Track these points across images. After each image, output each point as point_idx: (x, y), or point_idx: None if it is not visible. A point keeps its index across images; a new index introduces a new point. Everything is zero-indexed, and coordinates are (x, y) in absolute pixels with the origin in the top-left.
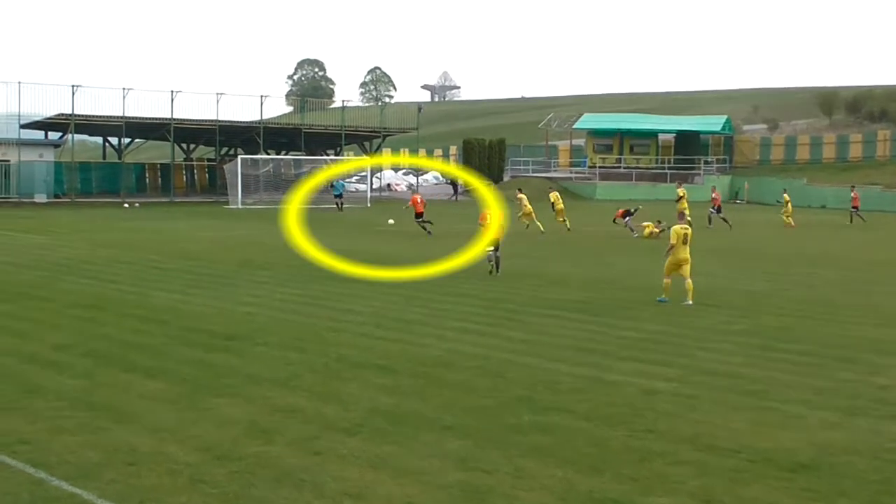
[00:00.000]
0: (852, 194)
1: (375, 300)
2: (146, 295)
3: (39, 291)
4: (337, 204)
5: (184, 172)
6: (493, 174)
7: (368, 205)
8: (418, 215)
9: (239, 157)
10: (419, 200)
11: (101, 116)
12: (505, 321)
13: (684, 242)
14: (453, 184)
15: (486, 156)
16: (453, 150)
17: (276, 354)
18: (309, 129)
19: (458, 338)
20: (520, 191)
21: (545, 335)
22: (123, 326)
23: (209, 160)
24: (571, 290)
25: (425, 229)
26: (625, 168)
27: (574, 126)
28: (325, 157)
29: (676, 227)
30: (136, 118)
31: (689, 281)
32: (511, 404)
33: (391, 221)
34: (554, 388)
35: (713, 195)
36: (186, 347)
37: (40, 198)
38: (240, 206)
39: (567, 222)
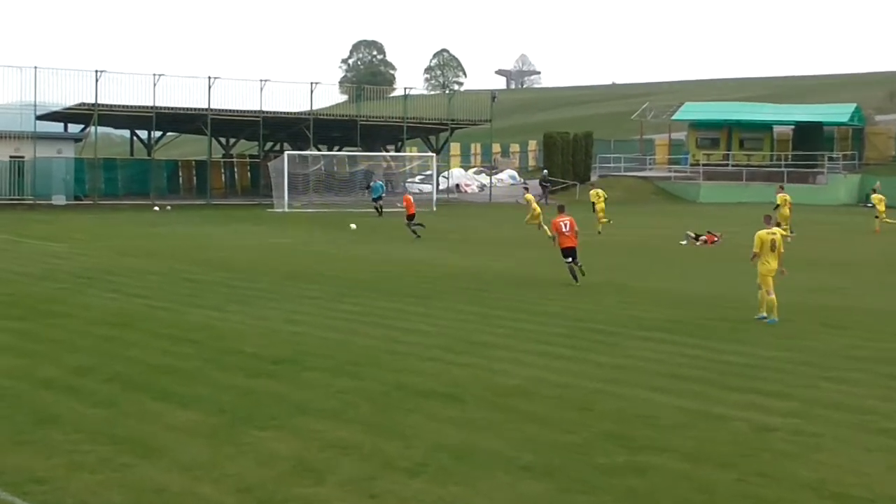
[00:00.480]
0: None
1: (442, 318)
2: (178, 311)
3: (56, 306)
4: (376, 208)
5: (222, 171)
6: (577, 173)
7: (434, 208)
8: (410, 217)
9: (285, 153)
10: (412, 202)
11: (128, 106)
12: (592, 344)
13: (772, 250)
14: (543, 183)
15: (570, 152)
16: (532, 144)
17: (327, 381)
18: (366, 120)
19: (539, 363)
20: (527, 190)
21: (638, 360)
22: (152, 347)
23: (251, 157)
24: (664, 308)
25: (415, 233)
26: (733, 166)
27: (673, 117)
28: (383, 153)
29: (761, 233)
30: (169, 108)
31: (773, 296)
32: (600, 441)
33: (353, 226)
34: (650, 423)
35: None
36: (224, 372)
37: (58, 199)
38: (286, 210)
39: (601, 224)
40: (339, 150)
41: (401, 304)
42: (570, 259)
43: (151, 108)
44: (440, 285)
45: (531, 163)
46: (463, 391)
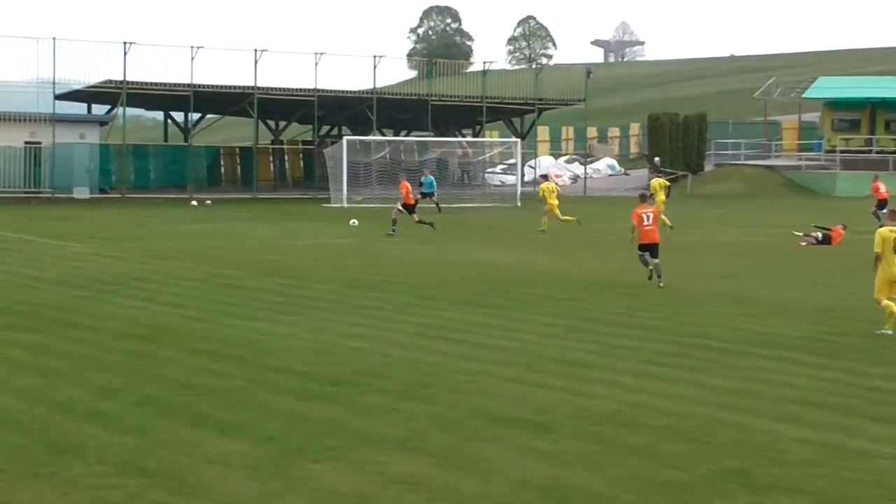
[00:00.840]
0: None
1: (525, 332)
2: (219, 323)
3: (78, 317)
4: (436, 203)
5: (271, 159)
6: (689, 162)
7: (518, 203)
8: (407, 207)
9: (345, 138)
10: (410, 189)
11: (161, 84)
12: (704, 363)
13: (895, 251)
14: (655, 169)
15: (681, 137)
16: (634, 128)
17: (392, 405)
18: (438, 100)
19: (640, 385)
20: (545, 179)
21: (761, 384)
22: (189, 365)
23: (304, 143)
24: (791, 321)
25: (392, 230)
26: (877, 153)
27: (804, 95)
28: (459, 139)
29: (883, 230)
30: (209, 86)
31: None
32: (716, 480)
33: (354, 222)
34: (777, 459)
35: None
36: (272, 394)
37: (81, 192)
38: (345, 205)
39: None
40: (407, 134)
41: (476, 316)
42: (645, 252)
43: (188, 86)
44: (522, 293)
45: (633, 149)
46: (551, 418)
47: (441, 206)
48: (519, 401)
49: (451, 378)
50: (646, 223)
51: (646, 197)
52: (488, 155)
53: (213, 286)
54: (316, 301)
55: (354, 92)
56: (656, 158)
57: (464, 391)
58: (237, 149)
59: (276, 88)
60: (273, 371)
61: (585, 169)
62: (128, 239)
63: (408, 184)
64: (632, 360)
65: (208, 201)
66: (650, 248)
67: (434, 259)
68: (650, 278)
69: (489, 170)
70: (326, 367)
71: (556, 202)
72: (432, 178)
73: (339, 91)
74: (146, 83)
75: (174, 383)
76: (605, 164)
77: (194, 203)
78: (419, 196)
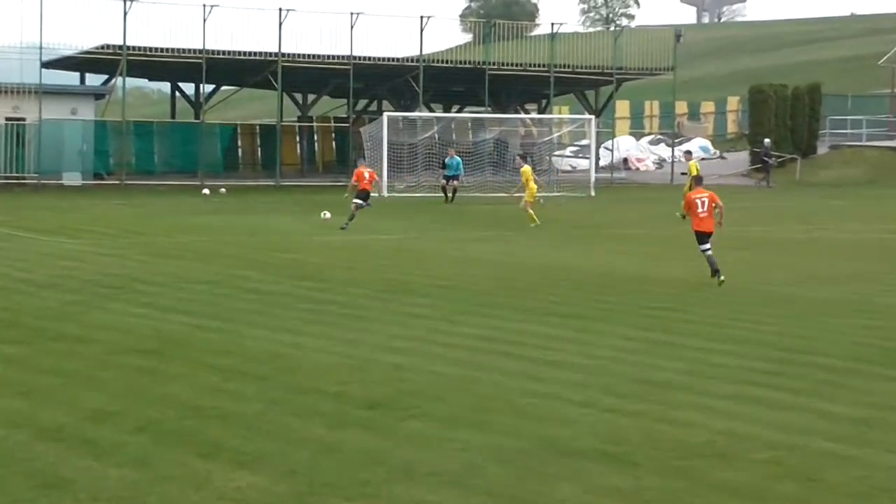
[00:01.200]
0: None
1: (599, 346)
2: (235, 334)
3: (69, 327)
4: (443, 189)
5: (297, 139)
6: (798, 142)
7: (592, 193)
8: (361, 195)
9: (385, 114)
10: (366, 175)
11: (168, 50)
12: (816, 385)
13: None
14: (765, 158)
15: (788, 113)
16: (733, 102)
17: (440, 433)
18: (497, 70)
19: (738, 411)
20: (524, 159)
21: (887, 411)
22: (199, 384)
23: (337, 120)
24: None
25: (347, 223)
26: None
27: None
28: (521, 115)
29: None
30: (224, 53)
31: None
32: None
33: (326, 215)
34: None
35: None
36: (298, 419)
37: (72, 178)
38: (385, 195)
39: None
40: (460, 110)
41: (540, 326)
42: (708, 247)
43: (200, 52)
44: (597, 299)
45: (731, 128)
46: (631, 450)
47: (465, 194)
48: (592, 429)
49: (511, 401)
50: (700, 210)
51: (701, 179)
52: (556, 135)
53: (228, 290)
54: (351, 308)
55: (397, 59)
56: (766, 140)
57: (527, 417)
58: (257, 127)
59: (304, 55)
60: (299, 391)
61: (673, 151)
62: (127, 234)
63: (362, 169)
64: (728, 381)
65: (223, 189)
66: (705, 238)
67: (493, 259)
68: (715, 277)
69: (557, 153)
70: (363, 387)
71: (535, 188)
72: (458, 159)
73: (378, 58)
74: (150, 49)
75: (181, 405)
76: (696, 146)
77: (206, 192)
78: (443, 181)
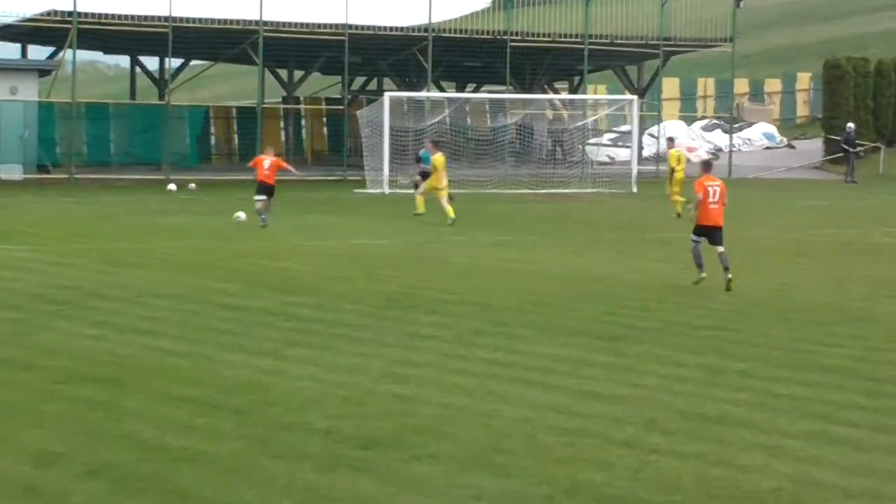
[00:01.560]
0: None
1: (648, 375)
2: (207, 359)
3: (7, 350)
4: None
5: (282, 125)
6: (882, 128)
7: (634, 188)
8: (263, 187)
9: (386, 94)
10: (266, 165)
11: (127, 17)
12: None
13: None
14: (845, 145)
15: (871, 92)
16: (803, 80)
17: (450, 478)
18: (521, 41)
19: (815, 453)
20: (435, 146)
21: None
22: (163, 419)
23: (329, 101)
24: None
25: (261, 218)
26: None
27: None
28: (550, 96)
29: None
30: (194, 20)
31: None
32: None
33: (240, 216)
34: None
35: None
36: (281, 461)
37: (11, 171)
38: (386, 191)
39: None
40: (477, 90)
41: (570, 349)
42: (700, 239)
43: (166, 19)
44: (640, 317)
45: (801, 111)
46: (681, 499)
47: (481, 191)
48: (634, 474)
49: (536, 439)
50: (711, 200)
51: (710, 165)
52: (591, 119)
53: (199, 306)
54: (345, 328)
55: (401, 29)
56: (850, 125)
57: (555, 458)
58: (234, 110)
59: (289, 23)
60: (283, 427)
61: (731, 139)
62: (79, 238)
63: (262, 157)
64: (799, 416)
65: (193, 185)
66: (711, 233)
67: (513, 268)
68: (697, 282)
69: (592, 140)
70: (359, 421)
71: (444, 182)
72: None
73: (379, 28)
74: (105, 15)
75: (142, 445)
76: (759, 133)
77: (172, 187)
78: (417, 177)
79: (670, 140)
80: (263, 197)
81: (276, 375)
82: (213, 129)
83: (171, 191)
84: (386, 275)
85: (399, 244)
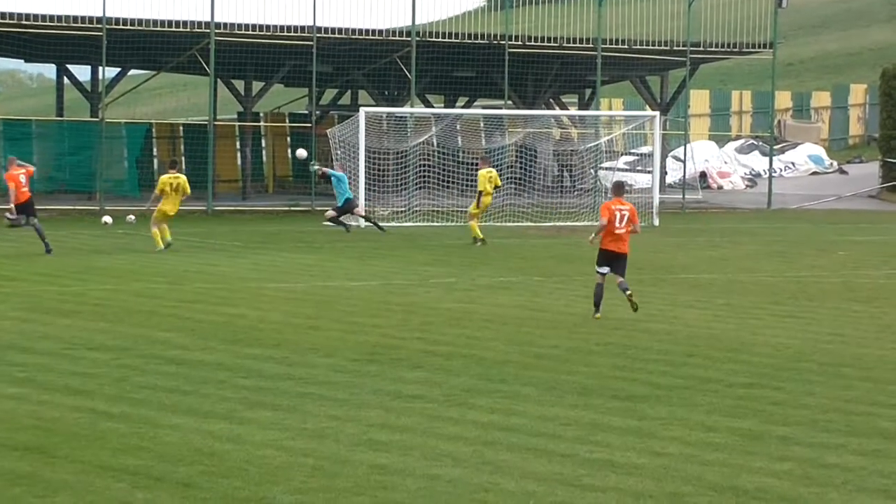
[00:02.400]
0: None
1: (674, 441)
2: (149, 422)
3: None
4: (339, 219)
5: (238, 145)
6: None
7: (656, 221)
8: (20, 209)
9: (362, 110)
10: (21, 180)
11: (53, 18)
12: None
13: None
14: None
15: None
16: (857, 92)
17: None
18: (522, 46)
19: None
20: (484, 161)
21: None
22: (97, 494)
23: (294, 118)
24: None
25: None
26: None
27: None
28: (556, 112)
29: None
30: (133, 21)
31: None
32: None
33: (107, 220)
34: None
35: None
36: None
37: None
38: (362, 224)
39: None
40: (469, 105)
41: (581, 411)
42: (606, 270)
43: (100, 21)
44: (657, 371)
45: (854, 129)
46: None
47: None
48: None
49: None
50: (618, 225)
51: (622, 187)
52: (605, 139)
53: (140, 360)
54: (313, 385)
55: (380, 32)
56: None
57: None
58: (181, 128)
59: (247, 26)
60: None
61: (771, 163)
62: None
63: (16, 171)
64: (854, 490)
65: (131, 217)
66: (614, 262)
67: (512, 314)
68: (597, 315)
69: (607, 164)
70: (331, 497)
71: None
72: (341, 175)
73: (352, 32)
74: (27, 16)
75: None
76: (805, 155)
77: (108, 220)
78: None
79: (484, 158)
80: (15, 217)
81: (232, 442)
82: (155, 151)
83: (106, 224)
84: (363, 323)
85: (378, 287)
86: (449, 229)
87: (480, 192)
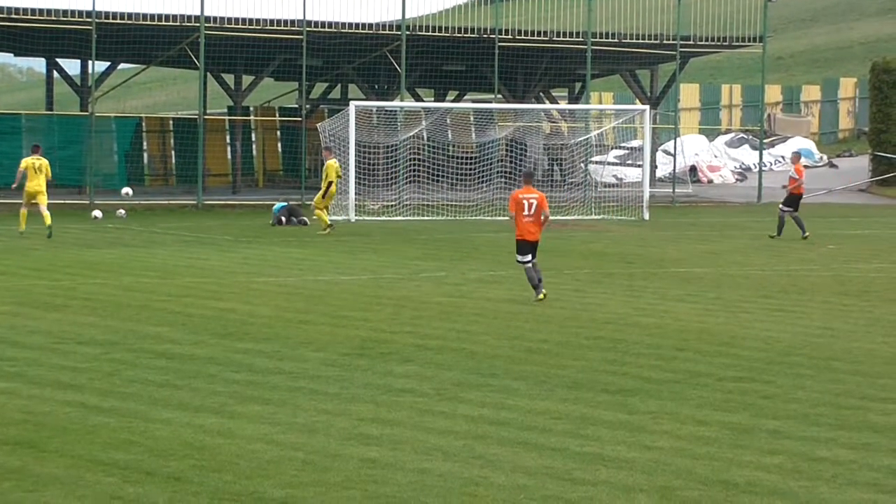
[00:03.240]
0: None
1: (664, 436)
2: (140, 416)
3: None
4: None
5: (227, 140)
6: None
7: (646, 215)
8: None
9: (352, 104)
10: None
11: (43, 12)
12: None
13: None
14: None
15: None
16: (847, 86)
17: None
18: (512, 40)
19: None
20: (329, 152)
21: None
22: (88, 488)
23: (284, 112)
24: None
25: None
26: None
27: None
28: (546, 106)
29: None
30: (123, 16)
31: None
32: None
33: (97, 214)
34: None
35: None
36: None
37: None
38: (352, 218)
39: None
40: (459, 98)
41: (571, 405)
42: (529, 258)
43: (90, 14)
44: (648, 365)
45: (843, 122)
46: None
47: (466, 217)
48: None
49: None
50: (526, 213)
51: (531, 176)
52: (595, 133)
53: (130, 354)
54: (304, 379)
55: (369, 27)
56: None
57: None
58: (171, 122)
59: (236, 20)
60: (230, 498)
61: (762, 156)
62: None
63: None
64: (844, 484)
65: (121, 211)
66: (530, 249)
67: (502, 309)
68: (539, 297)
69: (597, 158)
70: (321, 490)
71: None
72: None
73: (342, 25)
74: (17, 10)
75: None
76: (794, 149)
77: (97, 214)
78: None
79: (328, 148)
80: None
81: (223, 436)
82: (145, 145)
83: (95, 218)
84: (353, 317)
85: (368, 281)
86: (439, 223)
87: (331, 183)
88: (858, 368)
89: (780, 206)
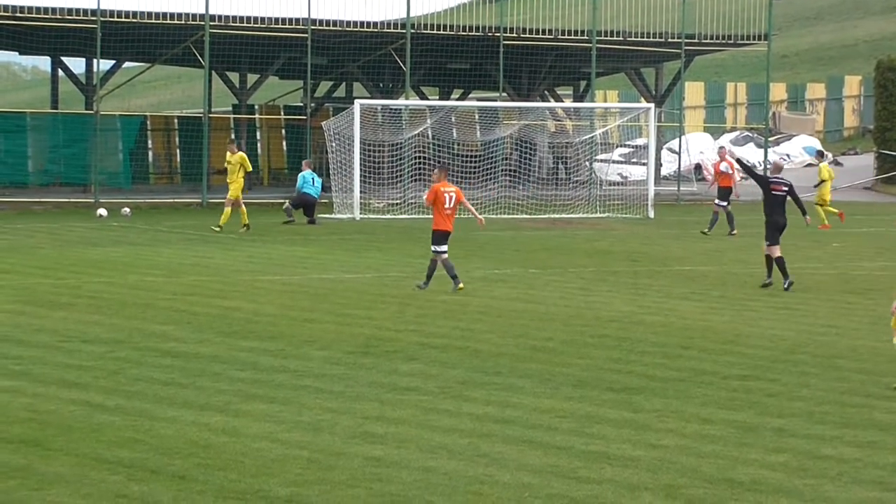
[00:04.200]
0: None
1: (662, 432)
2: (144, 415)
3: None
4: (286, 212)
5: (233, 136)
6: None
7: (651, 213)
8: None
9: (357, 102)
10: None
11: (48, 11)
12: None
13: None
14: None
15: None
16: (852, 84)
17: None
18: (516, 38)
19: None
20: (232, 143)
21: None
22: (93, 486)
23: (289, 110)
24: None
25: None
26: None
27: None
28: (551, 104)
29: None
30: (128, 14)
31: None
32: None
33: (102, 213)
34: None
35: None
36: None
37: None
38: (357, 216)
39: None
40: (464, 97)
41: (577, 403)
42: (444, 248)
43: (94, 13)
44: (653, 363)
45: (849, 121)
46: None
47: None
48: None
49: None
50: (446, 205)
51: (446, 169)
52: (600, 131)
53: (135, 353)
54: (309, 378)
55: (374, 25)
56: None
57: None
58: (176, 120)
59: (241, 18)
60: (235, 496)
61: (766, 154)
62: None
63: None
64: (849, 482)
65: (126, 209)
66: (446, 239)
67: (508, 307)
68: (460, 286)
69: (601, 157)
70: (326, 489)
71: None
72: (310, 174)
73: (347, 24)
74: (21, 8)
75: None
76: (799, 147)
77: (103, 213)
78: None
79: (233, 141)
80: None
81: (228, 435)
82: (150, 143)
83: (100, 216)
84: (358, 315)
85: (373, 279)
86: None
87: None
88: (863, 366)
89: (715, 201)
